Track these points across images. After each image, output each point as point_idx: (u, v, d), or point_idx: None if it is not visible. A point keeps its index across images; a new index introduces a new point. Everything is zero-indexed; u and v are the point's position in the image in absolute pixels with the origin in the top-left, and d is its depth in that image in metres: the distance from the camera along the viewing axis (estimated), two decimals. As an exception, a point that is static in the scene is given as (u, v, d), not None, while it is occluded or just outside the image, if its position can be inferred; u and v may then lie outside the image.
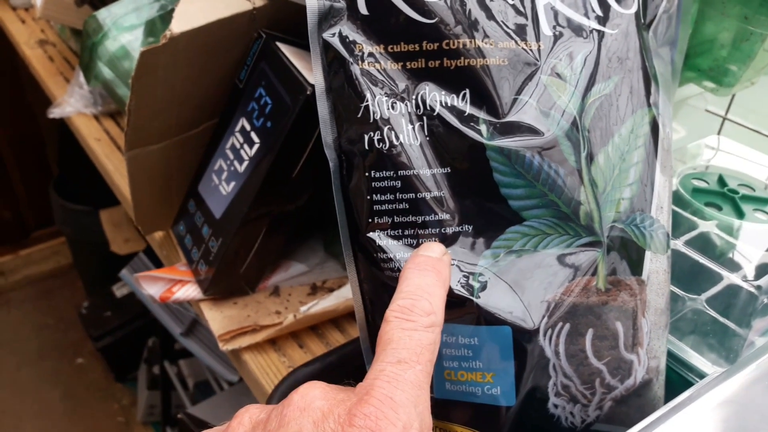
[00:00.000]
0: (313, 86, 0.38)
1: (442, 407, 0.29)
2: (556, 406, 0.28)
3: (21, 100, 1.57)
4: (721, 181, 0.44)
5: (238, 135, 0.43)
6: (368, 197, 0.29)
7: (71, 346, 1.56)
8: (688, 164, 0.48)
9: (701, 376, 0.33)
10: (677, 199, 0.43)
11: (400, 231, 0.29)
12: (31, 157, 1.66)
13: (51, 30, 0.94)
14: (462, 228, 0.28)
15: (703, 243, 0.41)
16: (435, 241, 0.28)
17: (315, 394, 0.22)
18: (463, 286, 0.27)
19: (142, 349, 1.34)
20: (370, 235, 0.29)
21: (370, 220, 0.29)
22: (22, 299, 1.70)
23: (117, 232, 1.40)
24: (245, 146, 0.42)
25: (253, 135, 0.42)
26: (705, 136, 0.51)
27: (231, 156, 0.44)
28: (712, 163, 0.49)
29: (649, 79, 0.30)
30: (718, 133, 0.52)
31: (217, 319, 0.45)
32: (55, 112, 0.72)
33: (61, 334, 1.60)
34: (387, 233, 0.29)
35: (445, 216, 0.28)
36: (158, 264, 1.01)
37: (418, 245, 0.28)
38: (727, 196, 0.43)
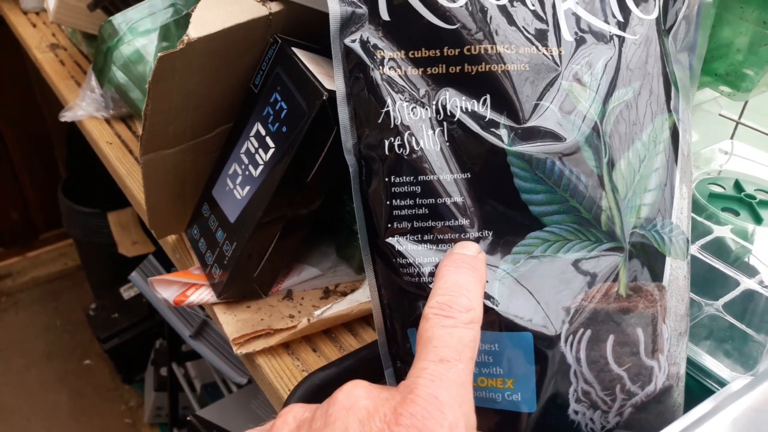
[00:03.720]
0: (329, 91, 0.38)
1: (462, 413, 0.29)
2: (576, 412, 0.28)
3: (30, 103, 1.58)
4: (738, 186, 0.44)
5: (252, 139, 0.43)
6: (387, 202, 0.29)
7: (79, 348, 1.57)
8: (702, 169, 0.48)
9: (719, 382, 0.33)
10: (693, 203, 0.43)
11: (419, 236, 0.29)
12: (40, 159, 1.67)
13: (62, 34, 0.95)
14: (482, 234, 0.28)
15: (718, 248, 0.41)
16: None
17: (359, 393, 0.22)
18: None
19: (149, 350, 1.35)
20: (389, 240, 0.29)
21: (389, 226, 0.29)
22: (30, 301, 1.71)
23: (124, 234, 1.41)
24: (260, 151, 0.42)
25: (268, 139, 0.42)
26: (718, 141, 0.51)
27: (245, 160, 0.44)
28: (725, 168, 0.48)
29: (669, 84, 0.30)
30: (732, 137, 0.52)
31: (231, 322, 0.45)
32: (66, 116, 0.72)
33: (68, 335, 1.61)
34: (406, 238, 0.29)
35: (465, 221, 0.28)
36: (168, 267, 1.01)
37: (438, 251, 0.28)
38: (744, 201, 0.43)
